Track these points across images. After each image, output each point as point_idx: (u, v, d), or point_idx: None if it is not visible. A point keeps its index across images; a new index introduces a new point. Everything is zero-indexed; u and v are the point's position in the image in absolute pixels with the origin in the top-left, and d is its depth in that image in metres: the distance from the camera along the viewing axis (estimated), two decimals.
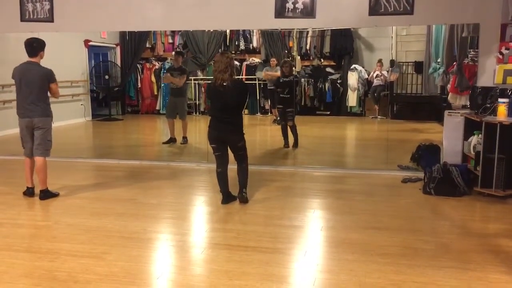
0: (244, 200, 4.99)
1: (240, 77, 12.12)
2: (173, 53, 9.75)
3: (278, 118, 9.65)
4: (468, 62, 6.88)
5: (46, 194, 5.21)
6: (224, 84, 4.75)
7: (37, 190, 5.25)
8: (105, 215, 4.68)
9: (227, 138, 4.92)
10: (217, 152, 4.97)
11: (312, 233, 4.31)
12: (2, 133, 8.63)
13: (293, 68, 8.60)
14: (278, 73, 9.48)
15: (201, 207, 5.15)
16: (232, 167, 5.07)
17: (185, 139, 8.57)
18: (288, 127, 8.05)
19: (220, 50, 12.31)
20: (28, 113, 5.08)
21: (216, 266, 3.51)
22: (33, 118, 5.08)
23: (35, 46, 5.13)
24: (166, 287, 3.25)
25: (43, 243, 3.97)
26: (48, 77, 5.14)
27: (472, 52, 6.80)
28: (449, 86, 7.81)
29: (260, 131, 8.34)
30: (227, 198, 5.02)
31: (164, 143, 8.55)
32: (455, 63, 7.38)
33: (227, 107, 4.81)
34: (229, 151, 5.03)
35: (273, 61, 10.34)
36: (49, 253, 3.72)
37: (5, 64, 8.07)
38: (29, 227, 4.42)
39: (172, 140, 8.56)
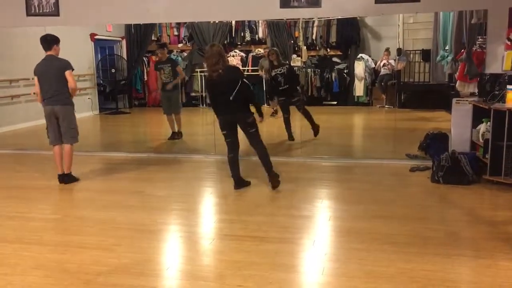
0: (276, 181, 5.13)
1: (247, 68, 12.11)
2: (157, 47, 9.20)
3: (274, 110, 9.44)
4: (476, 49, 6.81)
5: (70, 178, 5.61)
6: (220, 72, 4.90)
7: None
8: (114, 207, 4.72)
9: (235, 117, 5.02)
10: (228, 138, 5.09)
11: (320, 223, 4.32)
12: (11, 128, 8.68)
13: (280, 56, 8.03)
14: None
15: (209, 198, 5.16)
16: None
17: (180, 133, 8.43)
18: (303, 115, 7.89)
19: (226, 42, 12.30)
20: (50, 102, 5.42)
21: (225, 256, 3.52)
22: (54, 106, 5.42)
23: (48, 40, 5.48)
24: (176, 277, 3.27)
25: (53, 235, 4.01)
26: (65, 66, 5.45)
27: (481, 39, 6.73)
28: (457, 73, 7.74)
29: (267, 122, 8.31)
30: (239, 183, 5.14)
31: (169, 139, 8.45)
32: (463, 50, 7.31)
33: (227, 92, 4.92)
34: (239, 138, 5.15)
35: (266, 51, 9.60)
36: (59, 245, 3.76)
37: (12, 59, 8.13)
38: (40, 220, 4.46)
39: (180, 135, 8.50)
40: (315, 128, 7.95)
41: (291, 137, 7.97)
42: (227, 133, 5.09)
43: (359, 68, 11.60)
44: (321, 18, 10.96)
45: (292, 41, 12.02)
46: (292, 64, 11.62)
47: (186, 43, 12.83)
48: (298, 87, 8.19)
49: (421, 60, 10.62)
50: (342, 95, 11.96)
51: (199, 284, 3.09)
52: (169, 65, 8.09)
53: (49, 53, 5.45)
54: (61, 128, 5.51)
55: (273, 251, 3.55)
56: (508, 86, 5.19)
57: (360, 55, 11.73)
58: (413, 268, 3.24)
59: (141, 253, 3.59)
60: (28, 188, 5.45)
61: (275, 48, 8.74)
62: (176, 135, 8.43)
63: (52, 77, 5.38)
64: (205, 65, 5.14)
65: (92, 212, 4.59)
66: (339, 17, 10.32)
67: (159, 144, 8.35)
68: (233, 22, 12.00)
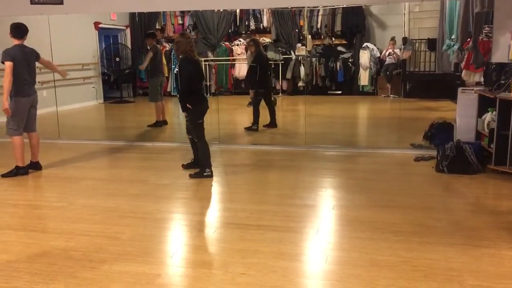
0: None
1: None
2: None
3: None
4: (482, 38, 6.74)
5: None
6: (196, 59, 5.16)
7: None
8: (118, 196, 4.74)
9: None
10: (203, 125, 5.28)
11: (324, 212, 4.32)
12: None
13: (259, 48, 8.00)
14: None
15: (213, 187, 5.17)
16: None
17: (159, 122, 8.44)
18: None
19: (230, 31, 12.25)
20: (32, 91, 5.41)
21: (229, 244, 3.54)
22: (35, 95, 5.47)
23: (23, 29, 5.40)
24: (180, 265, 3.29)
25: (58, 223, 4.03)
26: (36, 52, 5.44)
27: (487, 28, 6.66)
28: (463, 63, 7.68)
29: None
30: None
31: (148, 126, 8.47)
32: (469, 39, 7.24)
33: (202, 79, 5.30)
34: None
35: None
36: (64, 233, 3.78)
37: None
38: (44, 208, 4.49)
39: (158, 124, 8.46)
40: (253, 126, 7.95)
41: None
42: (203, 122, 5.26)
43: (364, 57, 11.54)
44: (326, 6, 10.90)
45: (297, 30, 11.96)
46: (297, 53, 11.65)
47: (190, 31, 12.77)
48: (255, 84, 8.02)
49: (427, 49, 10.54)
50: (347, 84, 11.92)
51: (202, 272, 3.11)
52: (145, 52, 8.64)
53: (20, 42, 5.32)
54: (31, 116, 5.45)
55: (277, 240, 3.56)
56: None
57: (365, 44, 11.66)
58: (416, 257, 3.24)
59: (145, 241, 3.61)
60: (33, 176, 5.47)
61: (255, 39, 8.56)
62: (159, 123, 8.48)
63: (33, 65, 5.38)
64: (178, 48, 5.09)
65: (96, 200, 4.61)
66: (344, 6, 10.27)
67: (164, 133, 8.36)
68: (238, 11, 11.94)
